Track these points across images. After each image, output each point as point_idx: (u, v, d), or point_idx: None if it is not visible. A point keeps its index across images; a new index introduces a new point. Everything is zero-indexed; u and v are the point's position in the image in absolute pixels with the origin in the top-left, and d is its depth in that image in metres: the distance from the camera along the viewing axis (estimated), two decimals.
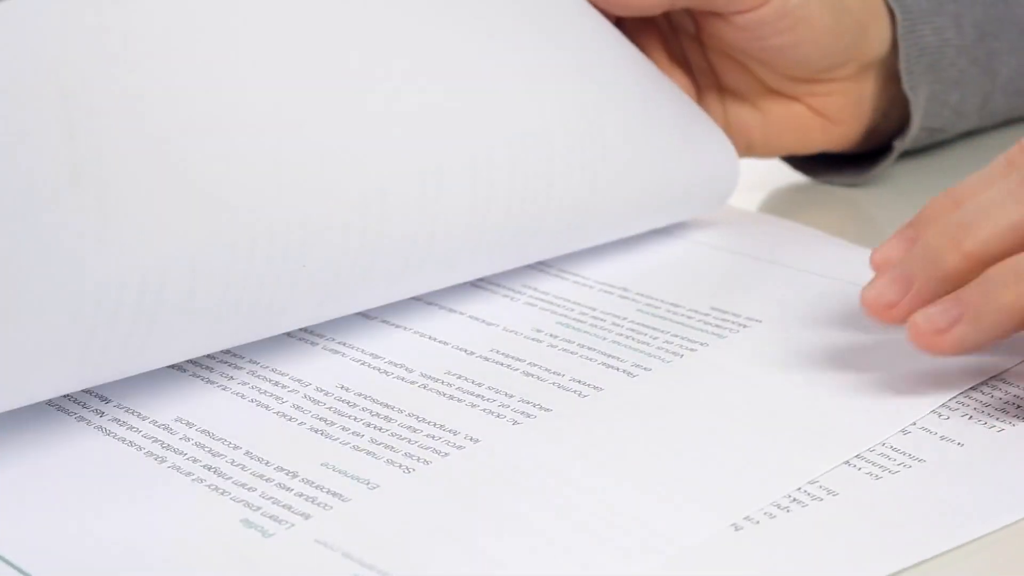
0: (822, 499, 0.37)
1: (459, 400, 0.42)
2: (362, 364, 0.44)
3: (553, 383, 0.43)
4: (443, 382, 0.43)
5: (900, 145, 0.58)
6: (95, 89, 0.38)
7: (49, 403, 0.42)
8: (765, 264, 0.52)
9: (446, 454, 0.39)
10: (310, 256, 0.42)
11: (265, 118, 0.41)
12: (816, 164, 0.60)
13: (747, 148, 0.58)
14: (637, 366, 0.44)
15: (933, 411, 0.41)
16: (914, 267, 0.42)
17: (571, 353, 0.45)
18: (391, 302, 0.47)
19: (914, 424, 0.41)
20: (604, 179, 0.49)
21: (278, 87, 0.42)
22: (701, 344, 0.46)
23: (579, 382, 0.43)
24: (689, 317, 0.47)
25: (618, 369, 0.44)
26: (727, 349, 0.45)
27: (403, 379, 0.43)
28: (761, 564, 0.35)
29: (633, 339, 0.46)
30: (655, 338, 0.46)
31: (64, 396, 0.42)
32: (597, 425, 0.41)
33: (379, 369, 0.44)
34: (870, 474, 0.38)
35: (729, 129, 0.57)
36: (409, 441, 0.40)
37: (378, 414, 0.41)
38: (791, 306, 0.48)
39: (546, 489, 0.38)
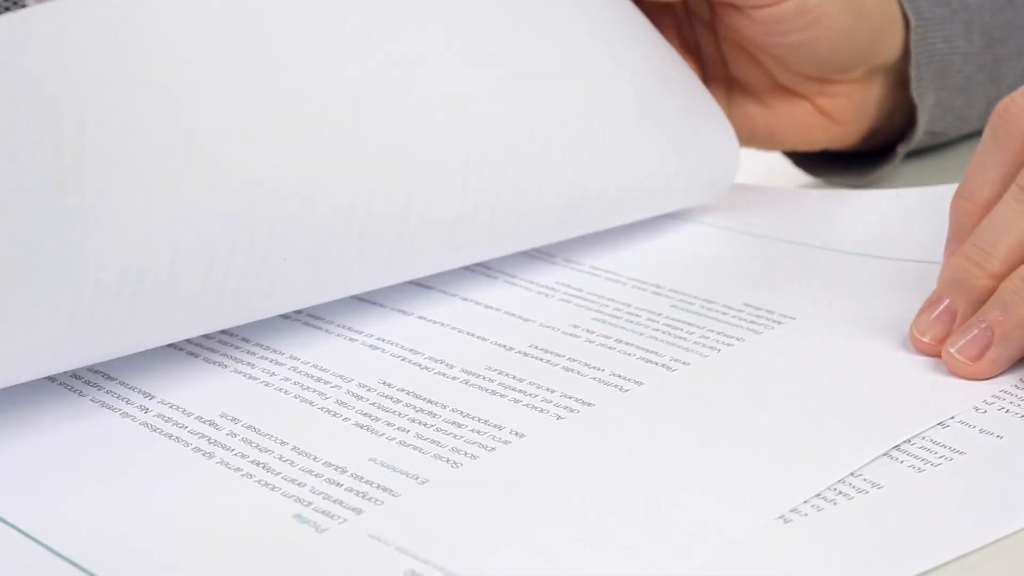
0: (867, 492, 0.38)
1: (502, 395, 0.42)
2: (403, 360, 0.45)
3: (593, 378, 0.43)
4: (484, 377, 0.43)
5: (903, 150, 0.59)
6: (84, 103, 0.39)
7: (92, 399, 0.43)
8: (797, 247, 0.53)
9: (492, 448, 0.40)
10: (293, 245, 0.42)
11: (253, 125, 0.41)
12: (820, 164, 0.61)
13: (748, 139, 0.58)
14: (676, 360, 0.45)
15: (972, 405, 0.42)
16: (951, 299, 0.45)
17: (609, 348, 0.45)
18: (389, 284, 0.47)
19: (952, 418, 0.41)
20: (600, 157, 0.50)
21: (265, 91, 0.42)
22: (737, 339, 0.46)
23: (619, 376, 0.44)
24: (723, 313, 0.48)
25: (657, 364, 0.44)
26: (763, 344, 0.46)
27: (444, 375, 0.44)
28: (811, 556, 0.35)
29: (669, 334, 0.46)
30: (691, 333, 0.46)
31: (106, 392, 0.43)
32: (640, 419, 0.41)
33: (420, 365, 0.44)
34: (912, 467, 0.39)
35: (732, 120, 0.57)
36: (455, 436, 0.40)
37: (422, 409, 0.42)
38: (824, 299, 0.49)
39: (594, 483, 0.38)
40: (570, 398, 0.42)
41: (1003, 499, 0.38)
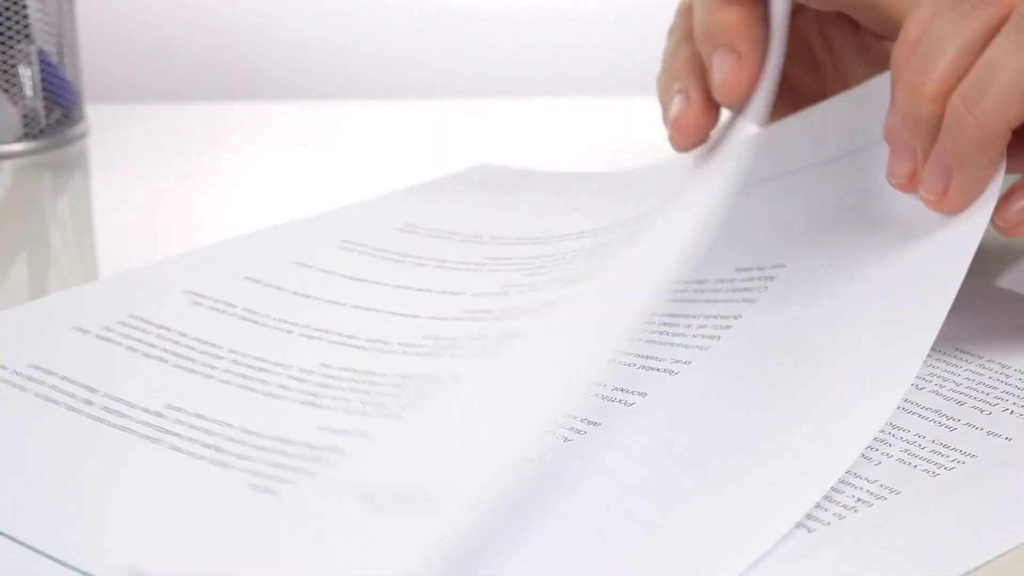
0: (885, 498, 0.37)
1: (439, 355, 0.42)
2: (341, 344, 0.45)
3: (596, 395, 0.42)
4: (422, 346, 0.43)
5: None
6: None
7: (36, 394, 0.42)
8: (769, 183, 0.51)
9: (433, 397, 0.39)
10: None
11: None
12: None
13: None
14: (677, 362, 0.43)
15: (975, 407, 0.41)
16: (903, 132, 0.43)
17: (537, 290, 0.45)
18: None
19: (958, 420, 0.41)
20: None
21: None
22: (734, 317, 0.45)
23: (622, 391, 0.42)
24: (716, 291, 0.47)
25: (658, 370, 0.43)
26: (759, 316, 0.45)
27: (382, 351, 0.44)
28: (838, 565, 0.35)
29: (667, 333, 0.45)
30: (688, 326, 0.45)
31: (49, 387, 0.43)
32: (648, 433, 0.40)
33: (358, 347, 0.44)
34: (927, 471, 0.38)
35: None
36: (397, 397, 0.40)
37: (364, 380, 0.42)
38: (805, 226, 0.48)
39: (608, 495, 0.37)
40: (504, 337, 0.42)
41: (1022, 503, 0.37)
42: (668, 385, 0.42)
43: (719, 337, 0.44)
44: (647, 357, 0.44)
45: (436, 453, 0.36)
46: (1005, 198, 0.42)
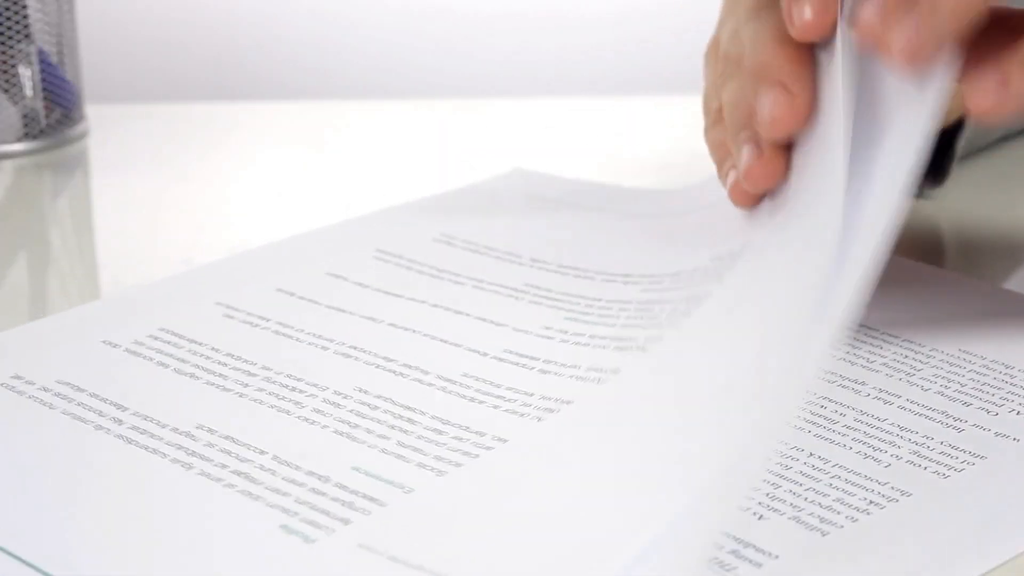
0: (897, 500, 0.37)
1: (480, 402, 0.42)
2: (377, 367, 0.44)
3: (571, 376, 0.43)
4: (461, 384, 0.43)
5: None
6: None
7: (64, 412, 0.42)
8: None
9: (476, 455, 0.39)
10: None
11: None
12: None
13: None
14: (649, 340, 0.44)
15: (981, 408, 0.41)
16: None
17: (583, 345, 0.45)
18: None
19: (965, 421, 0.41)
20: None
21: None
22: (705, 296, 0.45)
23: (596, 369, 0.43)
24: (691, 277, 0.47)
25: (631, 348, 0.44)
26: (727, 292, 0.45)
27: (420, 381, 0.43)
28: (853, 568, 0.35)
29: (641, 318, 0.46)
30: (662, 310, 0.46)
31: (77, 404, 0.42)
32: (620, 409, 0.41)
33: (395, 372, 0.44)
34: (937, 472, 0.38)
35: None
36: (436, 444, 0.40)
37: (401, 416, 0.41)
38: (774, 212, 0.47)
39: (579, 484, 0.37)
40: (548, 399, 0.42)
41: None
42: (641, 360, 0.43)
43: (690, 315, 0.45)
44: (621, 339, 0.45)
45: (476, 527, 0.36)
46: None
